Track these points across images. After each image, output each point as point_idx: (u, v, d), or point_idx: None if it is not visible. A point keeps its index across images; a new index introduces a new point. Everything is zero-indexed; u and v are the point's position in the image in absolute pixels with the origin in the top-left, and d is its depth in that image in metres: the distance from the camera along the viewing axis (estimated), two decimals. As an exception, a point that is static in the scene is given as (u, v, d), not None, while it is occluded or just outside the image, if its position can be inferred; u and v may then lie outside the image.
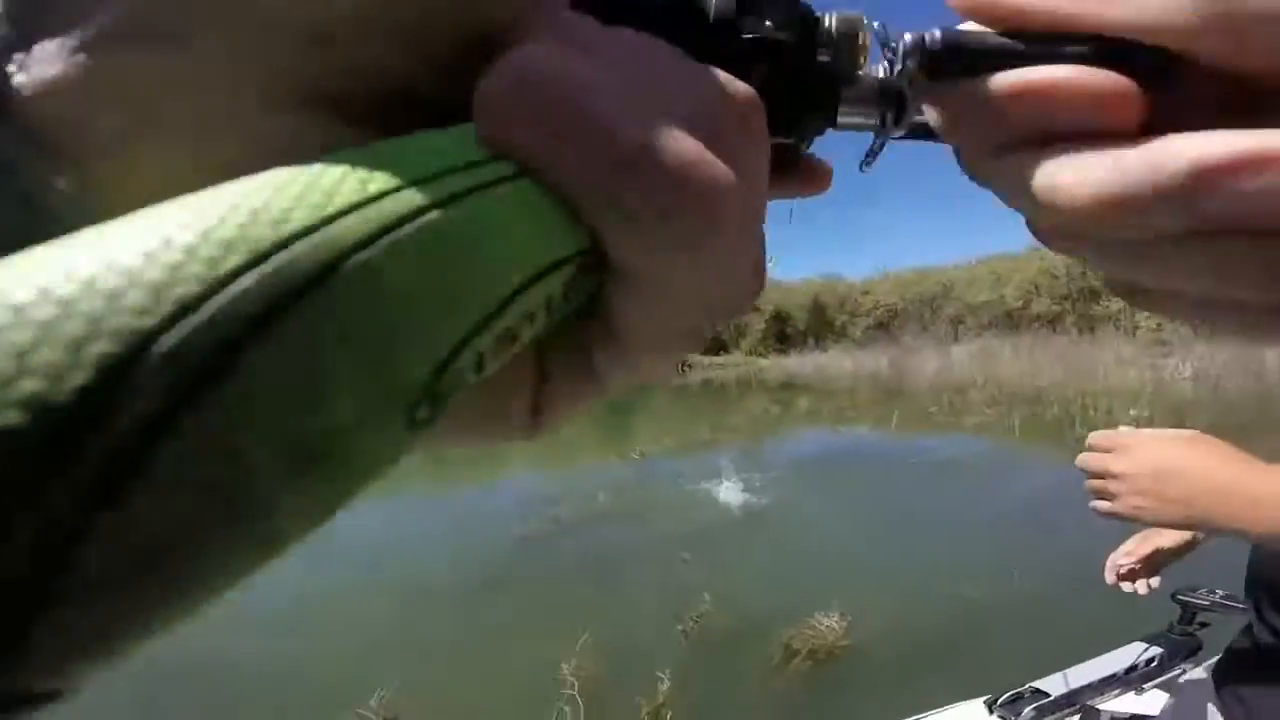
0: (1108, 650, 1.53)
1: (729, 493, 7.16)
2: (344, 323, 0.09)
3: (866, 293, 51.59)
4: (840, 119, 0.18)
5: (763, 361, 42.11)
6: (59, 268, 0.08)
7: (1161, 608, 1.45)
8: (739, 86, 0.14)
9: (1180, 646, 1.47)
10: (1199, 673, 0.88)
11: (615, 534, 5.67)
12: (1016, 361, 21.32)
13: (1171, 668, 1.45)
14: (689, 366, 47.30)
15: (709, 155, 0.12)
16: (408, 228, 0.10)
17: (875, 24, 0.18)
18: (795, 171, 0.19)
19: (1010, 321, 32.52)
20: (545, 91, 0.11)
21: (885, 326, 42.59)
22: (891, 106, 0.18)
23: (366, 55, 0.12)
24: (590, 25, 0.13)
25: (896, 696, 2.23)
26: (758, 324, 51.33)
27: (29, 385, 0.07)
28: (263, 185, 0.09)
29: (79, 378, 0.08)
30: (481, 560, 5.24)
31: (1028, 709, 1.38)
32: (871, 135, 0.19)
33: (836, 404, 14.61)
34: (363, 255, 0.09)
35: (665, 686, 2.97)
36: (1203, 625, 1.46)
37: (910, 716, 1.41)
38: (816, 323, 50.10)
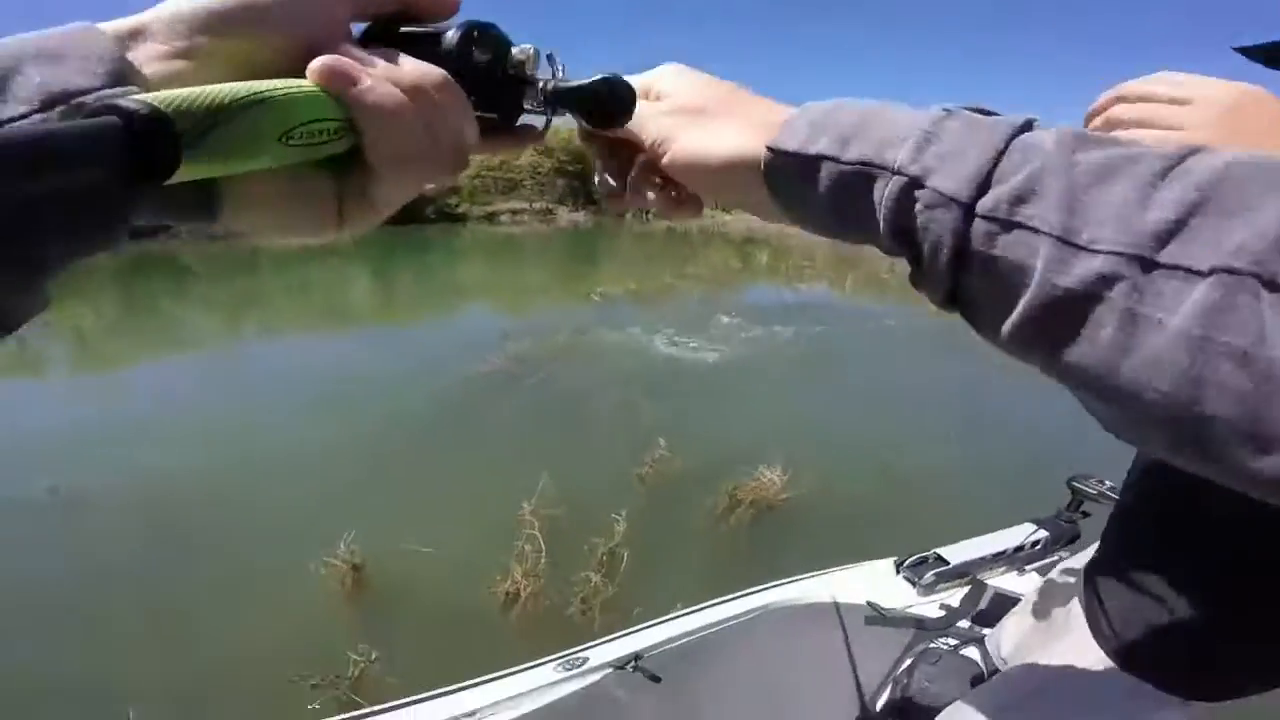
0: (1006, 527, 1.58)
1: (686, 340, 7.29)
2: (256, 117, 0.24)
3: None
4: (526, 105, 0.35)
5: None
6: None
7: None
8: (436, 72, 0.29)
9: (1062, 533, 1.51)
10: (1074, 562, 0.90)
11: (573, 375, 5.74)
12: None
13: (1051, 553, 1.50)
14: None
15: (397, 92, 0.28)
16: (279, 94, 0.25)
17: (546, 53, 0.35)
18: (510, 134, 0.36)
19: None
20: (339, 64, 0.27)
21: None
22: (551, 102, 0.35)
23: (257, 58, 0.28)
24: (362, 51, 0.29)
25: (823, 549, 2.43)
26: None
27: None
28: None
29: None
30: (441, 396, 5.27)
31: (929, 573, 1.44)
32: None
33: (795, 262, 14.64)
34: (263, 98, 0.25)
35: (621, 528, 3.17)
36: (1085, 515, 1.48)
37: (828, 569, 1.49)
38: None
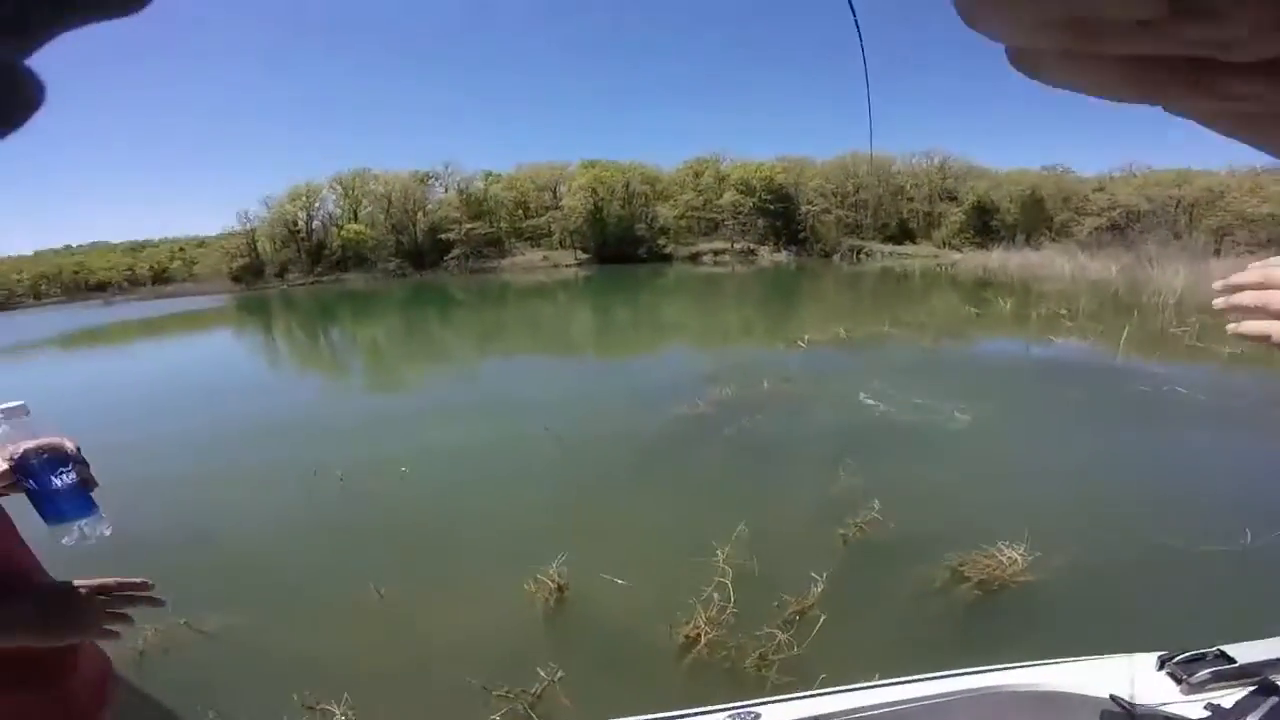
0: None
1: (906, 395, 6.58)
2: None
3: (1100, 189, 42.18)
4: None
5: (956, 255, 37.23)
6: None
7: None
8: None
9: None
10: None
11: (778, 423, 5.52)
12: None
13: None
14: (866, 254, 43.50)
15: None
16: None
17: None
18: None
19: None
20: None
21: (1120, 230, 35.07)
22: None
23: None
24: None
25: (1066, 640, 1.94)
26: (954, 214, 44.91)
27: None
28: None
29: None
30: (648, 433, 5.43)
31: (1204, 670, 1.25)
32: None
33: (1049, 310, 12.46)
34: None
35: (818, 589, 2.91)
36: None
37: (1066, 659, 1.29)
38: (1031, 218, 42.48)
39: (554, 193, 49.43)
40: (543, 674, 2.43)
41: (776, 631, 2.63)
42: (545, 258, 46.53)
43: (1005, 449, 4.96)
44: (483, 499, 4.33)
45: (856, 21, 0.48)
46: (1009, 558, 3.12)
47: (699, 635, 2.64)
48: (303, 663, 2.69)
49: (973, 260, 31.46)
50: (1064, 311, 12.30)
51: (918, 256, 39.51)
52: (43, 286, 56.92)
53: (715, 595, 2.87)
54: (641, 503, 4.12)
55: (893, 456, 4.71)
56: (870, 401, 6.34)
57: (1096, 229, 36.24)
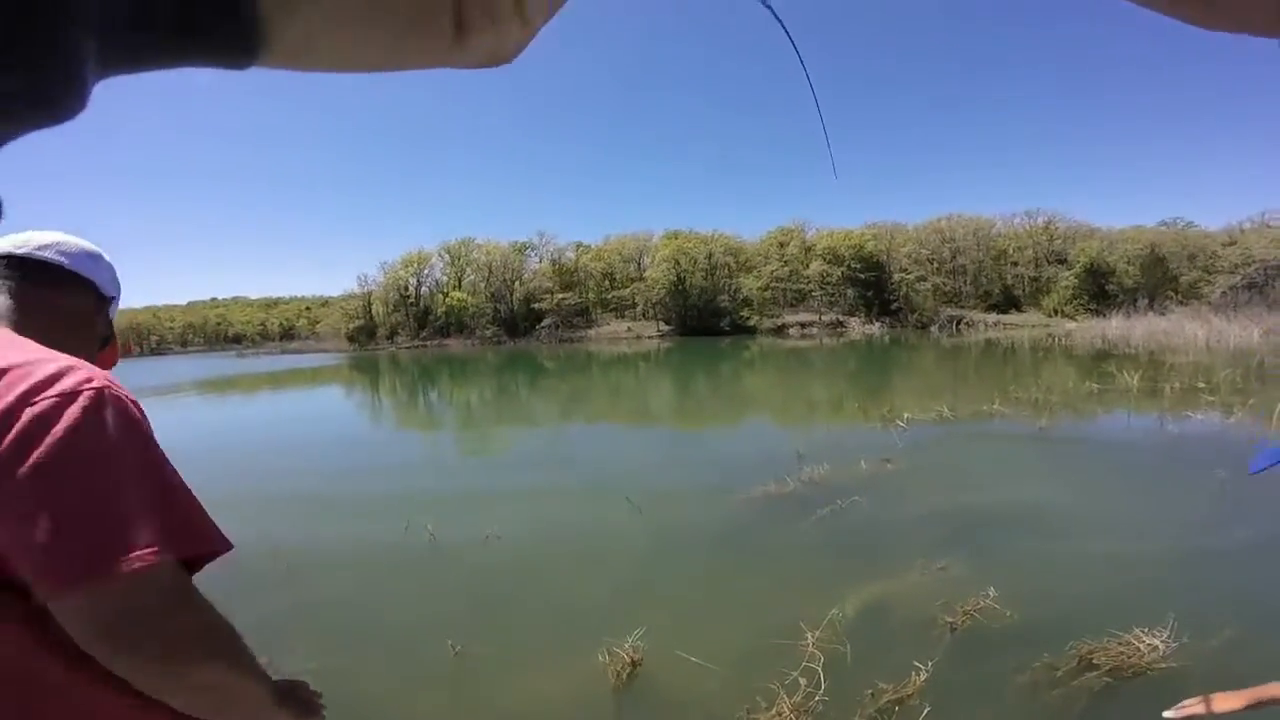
0: None
1: (1019, 476, 5.98)
2: None
3: (1230, 243, 38.16)
4: None
5: (1070, 324, 34.51)
6: None
7: None
8: None
9: None
10: None
11: (876, 505, 5.15)
12: None
13: None
14: (967, 324, 41.04)
15: None
16: None
17: None
18: None
19: None
20: None
21: (1259, 288, 31.28)
22: None
23: None
24: None
25: None
26: (1065, 278, 41.81)
27: None
28: None
29: None
30: (735, 510, 5.25)
31: None
32: None
33: (1184, 384, 11.13)
34: None
35: (921, 678, 2.60)
36: None
37: None
38: (1153, 279, 38.81)
39: (638, 264, 51.23)
40: None
41: (873, 725, 2.36)
42: (629, 329, 47.79)
43: (1142, 533, 4.36)
44: (562, 566, 4.30)
45: (795, 47, 0.45)
46: (1148, 645, 2.73)
47: (783, 722, 2.41)
48: (375, 713, 2.71)
49: (1089, 329, 29.03)
50: (1202, 385, 10.96)
51: (1025, 326, 37.00)
52: (189, 335, 65.06)
53: (802, 680, 2.63)
54: (724, 581, 3.92)
55: (1008, 543, 4.25)
56: (975, 483, 5.84)
57: (1231, 288, 32.62)
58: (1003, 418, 9.09)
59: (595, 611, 3.49)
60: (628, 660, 2.88)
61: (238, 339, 64.38)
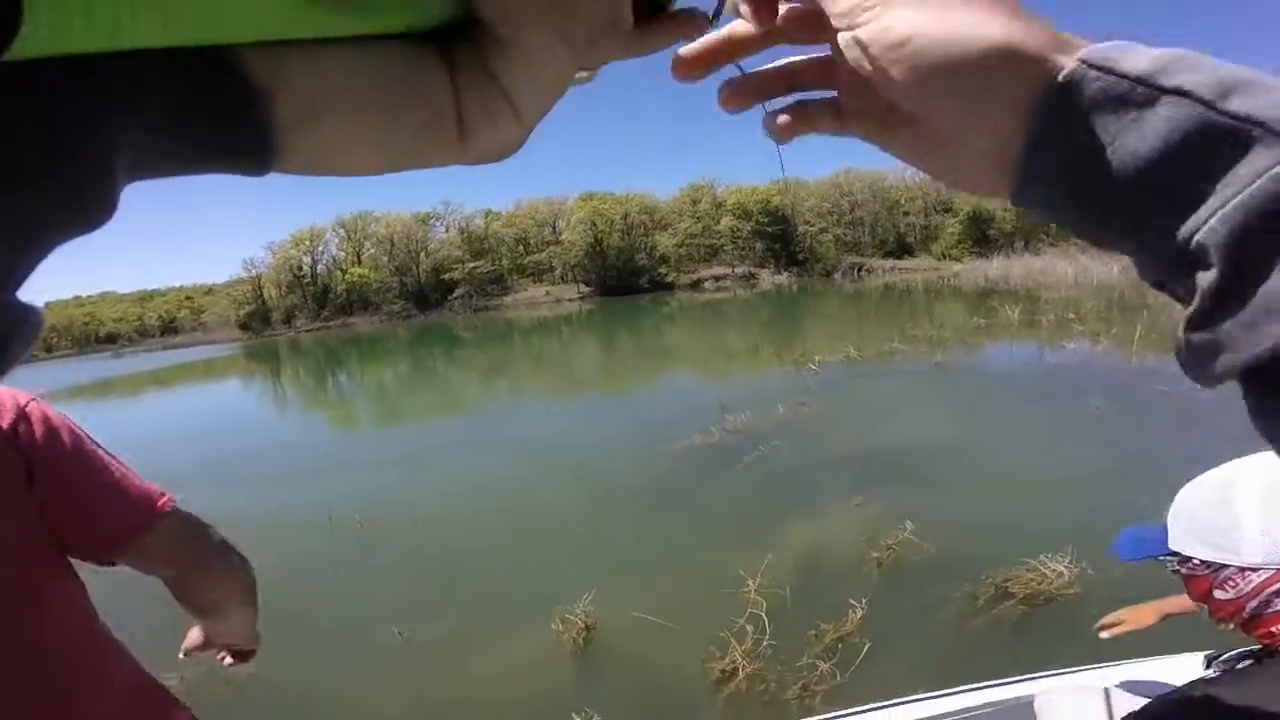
0: None
1: (922, 412, 6.48)
2: None
3: None
4: None
5: (957, 266, 37.36)
6: None
7: None
8: None
9: None
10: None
11: (797, 449, 5.41)
12: None
13: None
14: (866, 271, 43.69)
15: None
16: None
17: None
18: (667, 19, 0.24)
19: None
20: None
21: None
22: None
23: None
24: None
25: (1120, 647, 1.87)
26: (950, 225, 45.24)
27: None
28: None
29: None
30: (665, 466, 5.33)
31: (1246, 660, 1.20)
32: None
33: (1057, 316, 12.39)
34: None
35: (858, 615, 2.80)
36: None
37: (1118, 661, 1.34)
38: (1027, 224, 42.85)
39: (554, 227, 50.14)
40: (576, 718, 2.32)
41: (818, 661, 2.52)
42: (548, 293, 46.98)
43: (1035, 461, 4.85)
44: (501, 539, 4.24)
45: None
46: (1054, 570, 3.01)
47: (736, 669, 2.53)
48: (327, 709, 2.60)
49: (974, 270, 31.58)
50: (1072, 316, 12.24)
51: (918, 270, 39.70)
52: (53, 339, 57.74)
53: (749, 627, 2.76)
54: (665, 536, 4.02)
55: (919, 476, 4.60)
56: (884, 420, 6.26)
57: (1095, 232, 36.46)
58: (903, 355, 9.77)
59: (541, 581, 3.48)
60: (581, 625, 2.91)
61: (111, 338, 57.67)
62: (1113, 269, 22.04)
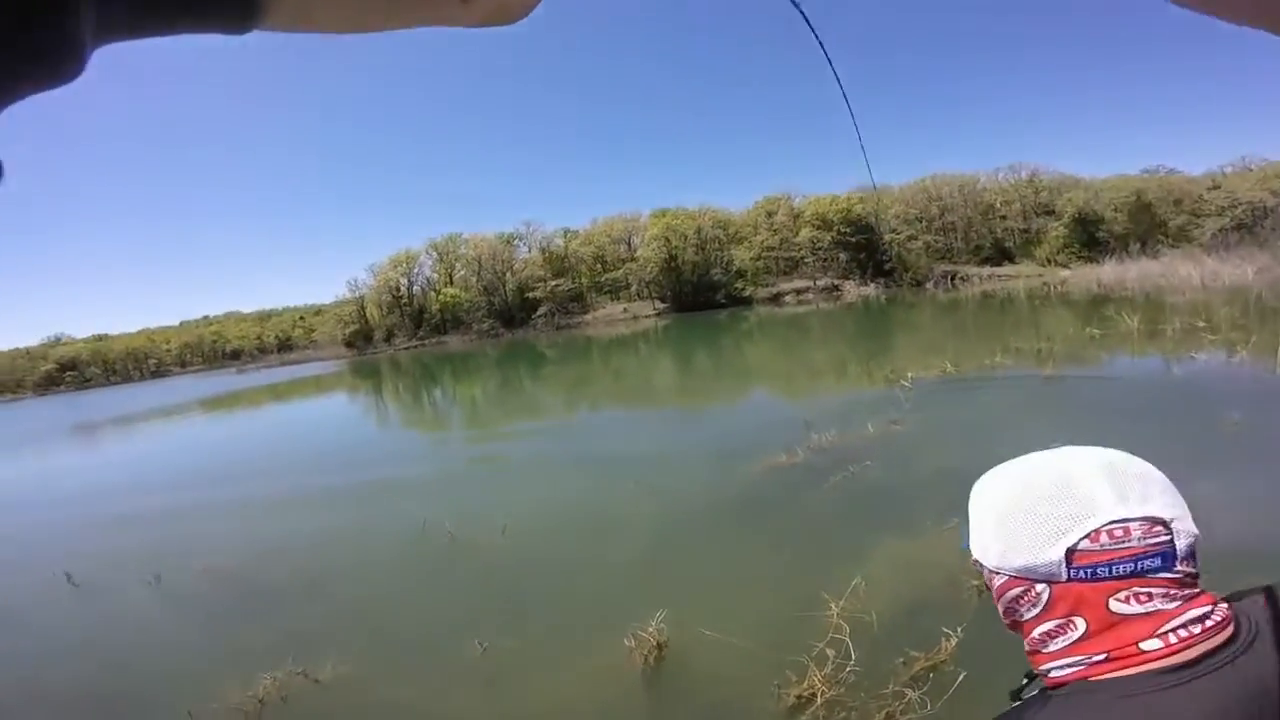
0: None
1: (1031, 429, 6.00)
2: None
3: (1215, 187, 38.06)
4: None
5: (1064, 271, 34.44)
6: None
7: None
8: None
9: None
10: None
11: (887, 470, 5.16)
12: None
13: None
14: (961, 279, 40.92)
15: None
16: None
17: None
18: None
19: None
20: None
21: (1248, 228, 31.33)
22: None
23: None
24: None
25: None
26: (1054, 228, 41.76)
27: None
28: None
29: None
30: (747, 484, 5.25)
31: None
32: None
33: (1183, 324, 11.11)
34: None
35: (952, 643, 2.63)
36: None
37: None
38: (1141, 224, 38.83)
39: (628, 244, 50.91)
40: None
41: (906, 690, 2.38)
42: (625, 310, 47.60)
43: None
44: (580, 554, 4.33)
45: (819, 40, 0.44)
46: None
47: (814, 694, 2.44)
48: (409, 714, 2.73)
49: (1084, 275, 28.97)
50: (1202, 323, 10.96)
51: (1020, 276, 36.87)
52: (186, 355, 64.96)
53: (830, 652, 2.65)
54: (743, 555, 3.95)
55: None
56: (982, 441, 5.86)
57: (1221, 230, 32.58)
58: (1006, 369, 9.10)
59: (617, 597, 3.52)
60: (653, 643, 2.89)
61: (235, 354, 64.25)
62: (1247, 270, 19.55)
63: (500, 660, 3.05)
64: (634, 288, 49.31)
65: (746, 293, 46.05)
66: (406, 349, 48.15)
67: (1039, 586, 0.62)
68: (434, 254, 53.61)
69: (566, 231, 53.64)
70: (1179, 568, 0.58)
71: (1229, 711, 0.51)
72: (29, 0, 0.14)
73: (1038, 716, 0.57)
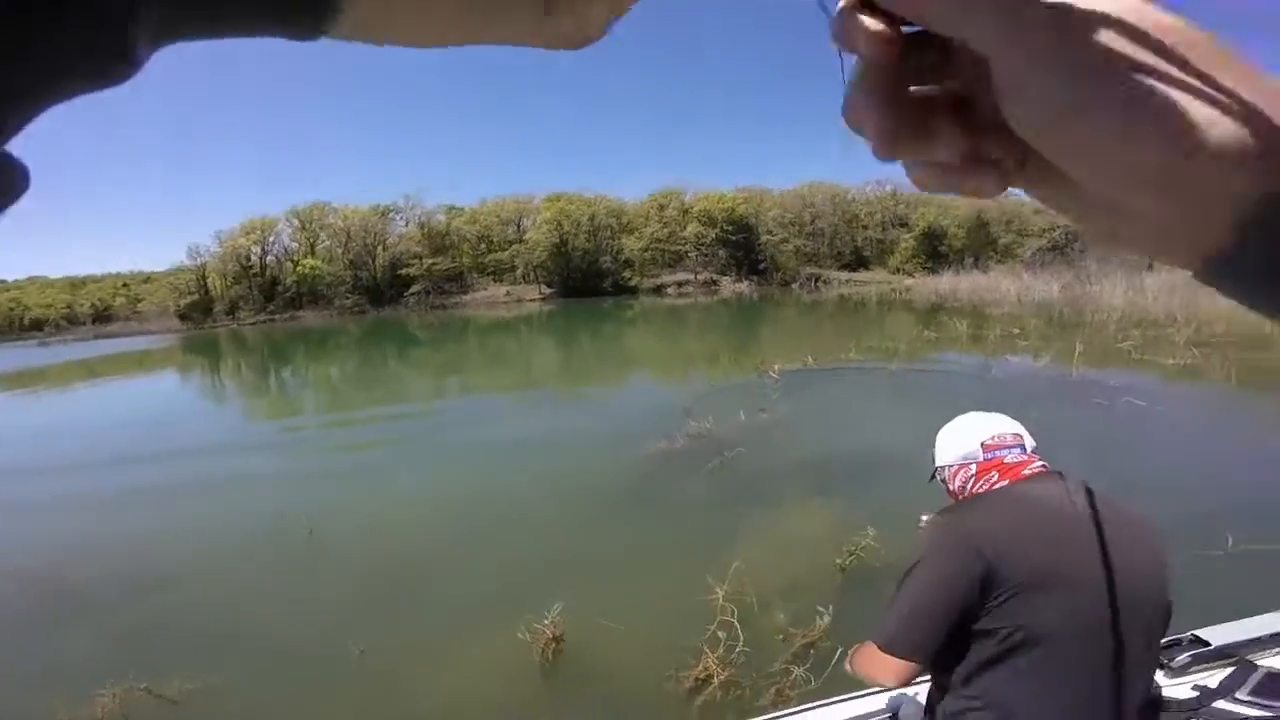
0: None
1: (881, 418, 6.65)
2: None
3: (1039, 210, 44.98)
4: None
5: (909, 280, 38.68)
6: None
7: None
8: None
9: None
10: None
11: (759, 455, 5.46)
12: (1230, 302, 17.26)
13: None
14: (823, 282, 44.69)
15: None
16: None
17: None
18: None
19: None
20: None
21: (1061, 250, 37.39)
22: None
23: None
24: None
25: None
26: (905, 240, 46.86)
27: None
28: None
29: None
30: (628, 472, 5.30)
31: (1183, 655, 1.41)
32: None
33: (1002, 331, 12.97)
34: None
35: (825, 621, 2.83)
36: None
37: None
38: (977, 241, 44.84)
39: (518, 226, 49.47)
40: None
41: (791, 667, 2.53)
42: (508, 293, 46.27)
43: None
44: (460, 547, 4.13)
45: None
46: None
47: (710, 676, 2.52)
48: None
49: (925, 285, 32.71)
50: (1016, 331, 12.84)
51: (873, 283, 40.91)
52: (-33, 321, 53.63)
53: (720, 634, 2.76)
54: (630, 543, 3.99)
55: (879, 482, 4.71)
56: (842, 428, 6.41)
57: (1038, 250, 38.24)
58: (859, 365, 10.02)
59: (506, 590, 3.41)
60: (550, 636, 2.84)
61: (37, 325, 53.82)
62: (1054, 287, 23.21)
63: (382, 662, 2.84)
64: (520, 270, 48.01)
65: (633, 282, 46.69)
66: (253, 324, 43.24)
67: (970, 466, 1.26)
68: (295, 222, 48.41)
69: (450, 209, 50.90)
70: (1030, 454, 1.24)
71: (1058, 493, 1.13)
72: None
73: (960, 508, 1.23)
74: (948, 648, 1.13)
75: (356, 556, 4.08)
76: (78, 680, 2.73)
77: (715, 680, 2.50)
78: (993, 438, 1.24)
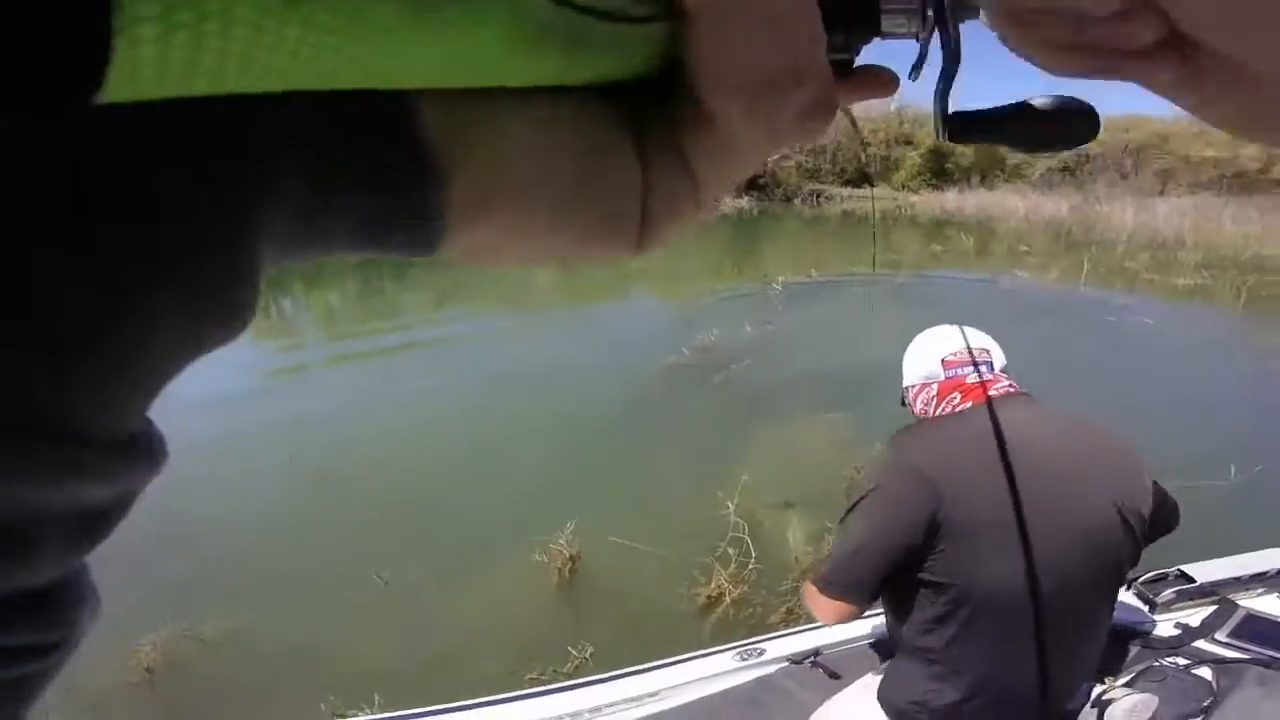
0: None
1: (887, 330, 6.49)
2: None
3: None
4: (884, 26, 0.20)
5: (913, 197, 37.65)
6: None
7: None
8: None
9: None
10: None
11: (766, 370, 5.36)
12: (1240, 225, 16.89)
13: None
14: (826, 198, 43.47)
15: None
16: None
17: None
18: (851, 80, 0.20)
19: (1241, 184, 26.61)
20: None
21: (1071, 171, 36.22)
22: (931, 8, 0.19)
23: None
24: None
25: None
26: (911, 157, 45.31)
27: None
28: None
29: None
30: (635, 388, 5.21)
31: (1167, 591, 1.42)
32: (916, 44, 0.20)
33: (1010, 246, 12.65)
34: None
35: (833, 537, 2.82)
36: None
37: None
38: (985, 160, 43.37)
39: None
40: (573, 651, 2.27)
41: (800, 585, 2.53)
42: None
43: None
44: (472, 472, 4.03)
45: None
46: None
47: (722, 594, 2.52)
48: (318, 663, 2.46)
49: (930, 202, 31.87)
50: (1024, 247, 12.53)
51: (876, 199, 39.75)
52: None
53: (731, 551, 2.74)
54: (640, 460, 3.94)
55: (887, 395, 4.60)
56: (846, 340, 6.29)
57: (1048, 170, 37.15)
58: (864, 278, 9.81)
59: (520, 513, 3.34)
60: (566, 556, 2.81)
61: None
62: (1062, 207, 22.57)
63: (406, 591, 2.81)
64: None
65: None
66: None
67: (932, 386, 1.15)
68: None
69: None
70: (996, 373, 1.13)
71: (1023, 420, 1.03)
72: (228, 252, 0.11)
73: (912, 434, 1.13)
74: (896, 592, 1.06)
75: (367, 489, 3.96)
76: (117, 630, 2.67)
77: (727, 598, 2.50)
78: (955, 354, 1.13)
